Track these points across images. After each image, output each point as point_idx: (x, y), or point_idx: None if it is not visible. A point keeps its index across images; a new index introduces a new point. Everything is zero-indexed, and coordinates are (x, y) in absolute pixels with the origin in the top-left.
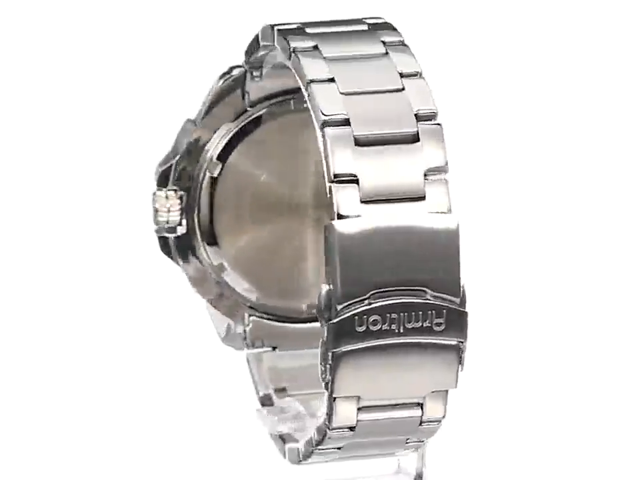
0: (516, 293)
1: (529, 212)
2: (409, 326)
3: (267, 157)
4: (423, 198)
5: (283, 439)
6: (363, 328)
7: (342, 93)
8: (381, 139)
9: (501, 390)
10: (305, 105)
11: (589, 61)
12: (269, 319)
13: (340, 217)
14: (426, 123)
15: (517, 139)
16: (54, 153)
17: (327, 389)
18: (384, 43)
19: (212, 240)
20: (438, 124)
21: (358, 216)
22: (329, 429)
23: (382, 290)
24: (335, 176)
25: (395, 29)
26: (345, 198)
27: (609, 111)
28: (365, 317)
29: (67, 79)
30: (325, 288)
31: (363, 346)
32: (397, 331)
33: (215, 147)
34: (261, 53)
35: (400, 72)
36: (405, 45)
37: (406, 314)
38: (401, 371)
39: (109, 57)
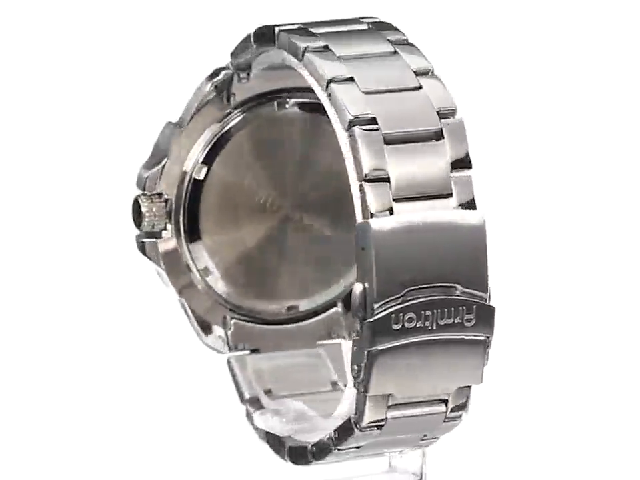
0: (524, 289)
1: (537, 209)
2: (442, 322)
3: (250, 158)
4: (450, 195)
5: (281, 440)
6: (399, 326)
7: (363, 92)
8: (408, 137)
9: (501, 388)
10: (287, 106)
11: (584, 59)
12: (250, 321)
13: (373, 215)
14: (447, 120)
15: (516, 133)
16: (27, 156)
17: (358, 388)
18: (390, 41)
19: (197, 243)
20: (459, 120)
21: (391, 214)
22: (357, 427)
23: (416, 287)
24: (367, 175)
25: (396, 28)
26: (377, 196)
27: (611, 109)
28: (401, 314)
29: (39, 75)
30: (359, 287)
31: (398, 344)
32: (430, 327)
33: (200, 150)
34: (253, 54)
35: (414, 70)
36: (411, 44)
37: (439, 311)
38: (432, 368)
39: (79, 62)
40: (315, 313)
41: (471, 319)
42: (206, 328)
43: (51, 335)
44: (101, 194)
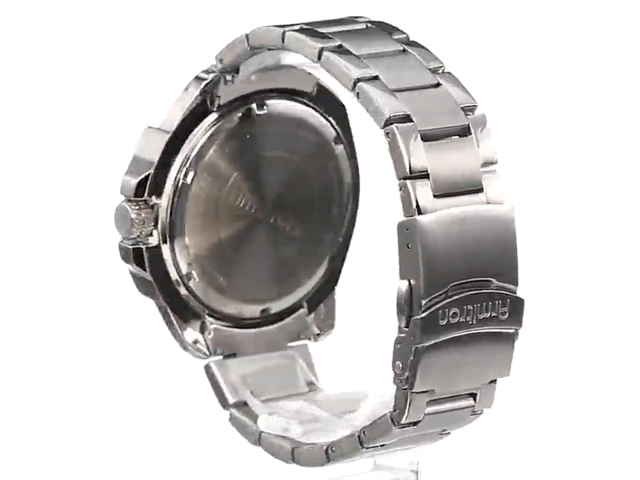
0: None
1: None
2: (481, 316)
3: (231, 161)
4: (481, 190)
5: (284, 442)
6: (445, 321)
7: (391, 90)
8: (441, 133)
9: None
10: (265, 109)
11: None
12: (227, 326)
13: (419, 212)
14: (471, 115)
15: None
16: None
17: (400, 385)
18: (396, 40)
19: (182, 249)
20: (482, 115)
21: (434, 210)
22: (395, 424)
23: (458, 282)
24: (409, 172)
25: (394, 27)
26: (421, 193)
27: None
28: (447, 310)
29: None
30: (404, 284)
31: (442, 339)
32: (470, 322)
33: (186, 154)
34: (244, 55)
35: (429, 68)
36: (416, 42)
37: (478, 305)
38: (470, 362)
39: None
40: (285, 314)
41: (505, 312)
42: (186, 333)
43: (29, 342)
44: (74, 201)
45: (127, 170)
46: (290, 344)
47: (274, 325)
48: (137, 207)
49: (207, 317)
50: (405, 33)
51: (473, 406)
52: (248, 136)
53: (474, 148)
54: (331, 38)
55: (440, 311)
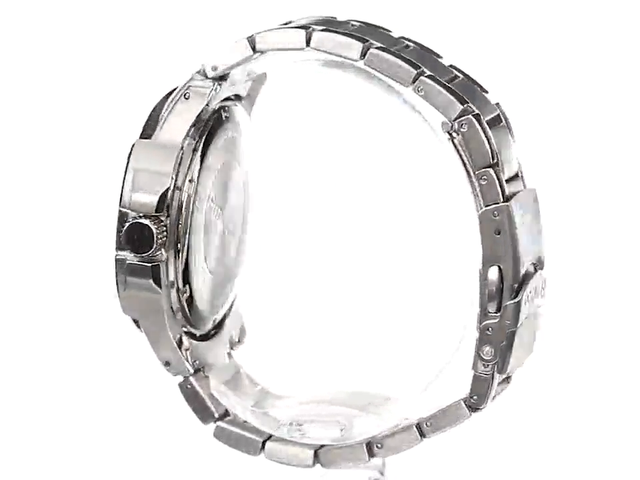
0: None
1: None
2: (536, 297)
3: (210, 170)
4: (519, 174)
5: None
6: (525, 304)
7: (445, 82)
8: (493, 122)
9: None
10: (227, 113)
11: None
12: (195, 339)
13: (506, 199)
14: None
15: None
16: None
17: (487, 370)
18: (396, 38)
19: (183, 262)
20: (498, 103)
21: (510, 196)
22: (473, 410)
23: (529, 264)
24: (495, 159)
25: (379, 25)
26: (503, 179)
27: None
28: (526, 292)
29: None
30: (494, 270)
31: (523, 320)
32: (532, 302)
33: (187, 166)
34: (246, 61)
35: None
36: (409, 38)
37: (537, 286)
38: (526, 342)
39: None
40: (221, 324)
41: (543, 292)
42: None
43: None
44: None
45: (135, 186)
46: (229, 350)
47: (215, 336)
48: (156, 224)
49: (183, 331)
50: (392, 31)
51: (508, 385)
52: (219, 142)
53: (509, 135)
54: (365, 38)
55: (524, 294)
